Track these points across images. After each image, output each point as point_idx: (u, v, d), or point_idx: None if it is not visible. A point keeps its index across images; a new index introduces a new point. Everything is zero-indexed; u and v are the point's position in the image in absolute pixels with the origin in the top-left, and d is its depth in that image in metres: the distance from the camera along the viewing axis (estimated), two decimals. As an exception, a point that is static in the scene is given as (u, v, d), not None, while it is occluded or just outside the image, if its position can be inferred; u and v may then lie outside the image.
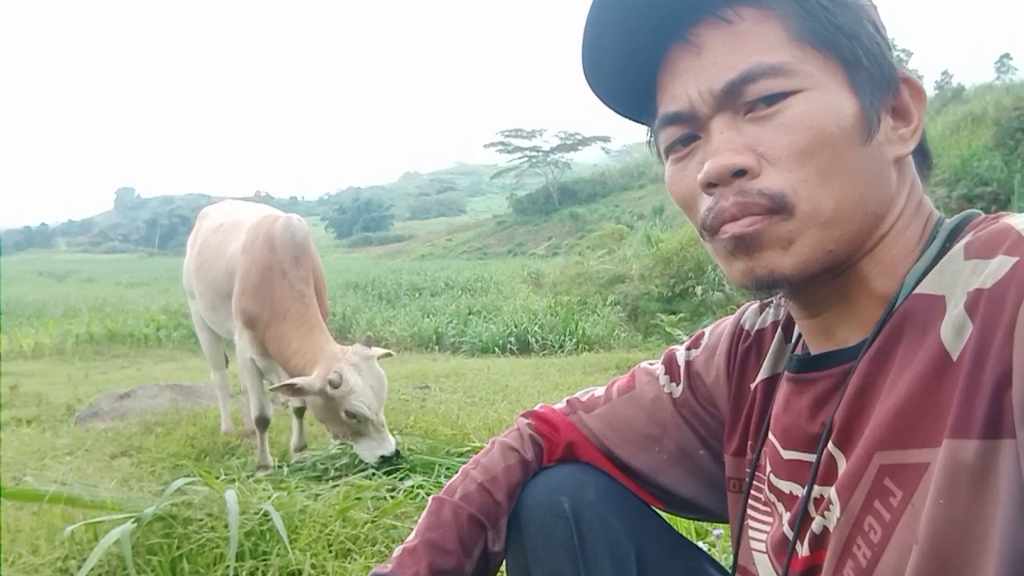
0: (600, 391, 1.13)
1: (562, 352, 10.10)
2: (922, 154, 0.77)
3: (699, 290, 11.18)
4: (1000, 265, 0.60)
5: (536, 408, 1.17)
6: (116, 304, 19.89)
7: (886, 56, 0.73)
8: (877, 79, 0.71)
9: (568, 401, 1.15)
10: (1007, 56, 34.47)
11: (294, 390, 3.40)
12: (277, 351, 3.72)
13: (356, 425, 3.46)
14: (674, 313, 10.94)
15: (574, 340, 10.42)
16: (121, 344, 13.26)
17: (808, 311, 0.78)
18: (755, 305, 1.00)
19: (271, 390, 3.43)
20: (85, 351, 12.54)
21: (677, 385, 1.04)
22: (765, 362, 0.93)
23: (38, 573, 2.23)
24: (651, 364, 1.11)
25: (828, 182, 0.68)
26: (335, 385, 3.37)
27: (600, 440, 1.08)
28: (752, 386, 0.94)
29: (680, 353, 1.08)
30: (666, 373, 1.07)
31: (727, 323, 1.03)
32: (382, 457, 3.44)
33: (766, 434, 0.88)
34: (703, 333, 1.08)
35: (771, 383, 0.91)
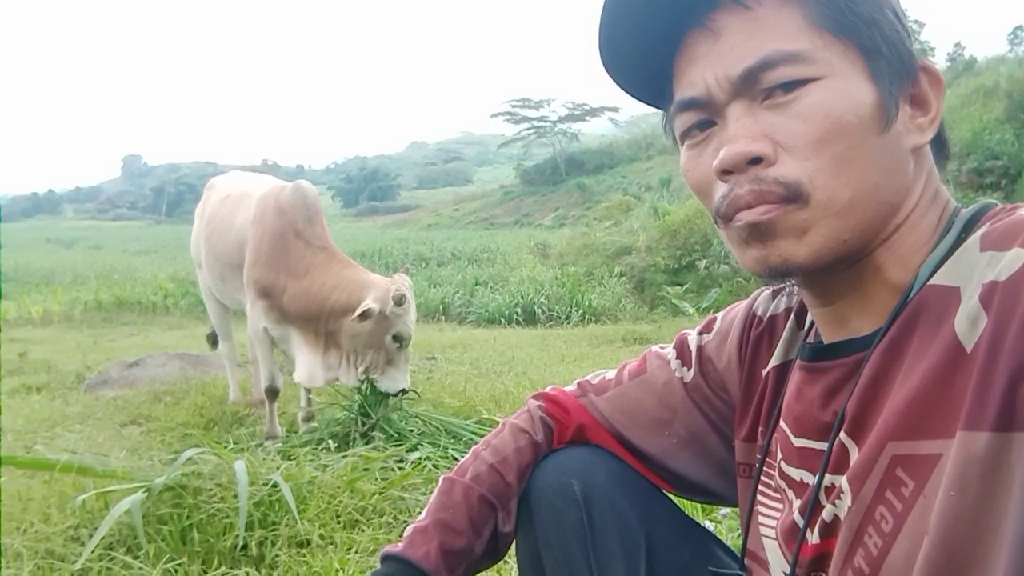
0: (611, 374, 1.13)
1: (568, 323, 10.14)
2: (940, 143, 0.76)
3: (705, 263, 11.16)
4: (1016, 257, 0.60)
5: (547, 390, 1.16)
6: (124, 271, 20.00)
7: (905, 44, 0.71)
8: (896, 67, 0.70)
9: (579, 383, 1.15)
10: (1020, 28, 34.03)
11: (364, 316, 3.48)
12: (310, 303, 3.75)
13: (394, 352, 3.64)
14: (680, 285, 10.95)
15: (580, 311, 10.46)
16: (129, 311, 13.35)
17: (822, 300, 0.78)
18: (768, 291, 0.99)
19: (356, 315, 3.48)
20: (94, 318, 12.63)
21: (688, 370, 1.04)
22: (777, 349, 0.93)
23: (50, 541, 2.25)
24: (663, 348, 1.11)
25: (844, 171, 0.68)
26: (399, 303, 3.52)
27: (611, 423, 1.08)
28: (764, 372, 0.94)
29: (692, 338, 1.07)
30: (677, 357, 1.06)
31: (739, 309, 1.03)
32: (403, 390, 3.66)
33: (777, 421, 0.88)
34: (715, 318, 1.07)
35: (783, 370, 0.91)
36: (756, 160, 0.69)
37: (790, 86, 0.68)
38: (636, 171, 40.81)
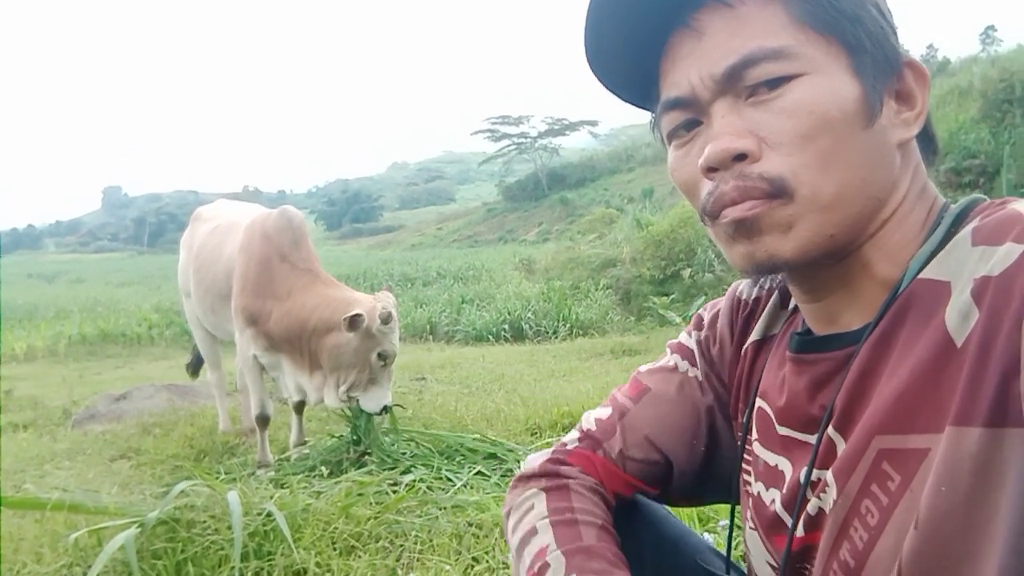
0: (603, 411, 1.05)
1: (556, 338, 10.13)
2: (927, 139, 0.77)
3: (690, 272, 11.19)
4: (1008, 252, 0.60)
5: (566, 452, 1.03)
6: (107, 304, 19.83)
7: (890, 40, 0.72)
8: (880, 63, 0.71)
9: (581, 436, 1.04)
10: (991, 28, 34.52)
11: (352, 325, 3.44)
12: (292, 322, 3.73)
13: (378, 370, 3.61)
14: (666, 295, 10.96)
15: (568, 325, 10.45)
16: (114, 344, 13.22)
17: (811, 295, 0.78)
18: (747, 281, 0.99)
19: (345, 320, 3.44)
20: (78, 352, 12.51)
21: (696, 366, 1.01)
22: (758, 324, 0.93)
23: (44, 581, 2.23)
24: (654, 364, 1.07)
25: (829, 166, 0.68)
26: (385, 321, 3.51)
27: (633, 458, 0.99)
28: (743, 348, 0.94)
29: (686, 338, 1.05)
30: (683, 359, 1.03)
31: (723, 300, 1.02)
32: (384, 408, 3.61)
33: (754, 398, 0.88)
34: (700, 315, 1.05)
35: (761, 345, 0.91)
36: (741, 157, 0.69)
37: (774, 83, 0.69)
38: (618, 183, 41.03)
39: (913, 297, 0.67)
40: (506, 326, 10.79)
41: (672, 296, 10.87)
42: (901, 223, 0.72)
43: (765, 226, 0.69)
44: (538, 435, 4.03)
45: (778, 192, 0.68)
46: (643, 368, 1.07)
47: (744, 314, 0.96)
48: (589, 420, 1.05)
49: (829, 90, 0.68)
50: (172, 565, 2.27)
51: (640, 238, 12.95)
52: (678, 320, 9.51)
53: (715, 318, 1.01)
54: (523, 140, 57.31)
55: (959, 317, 0.61)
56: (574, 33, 0.80)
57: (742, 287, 0.99)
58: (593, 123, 58.35)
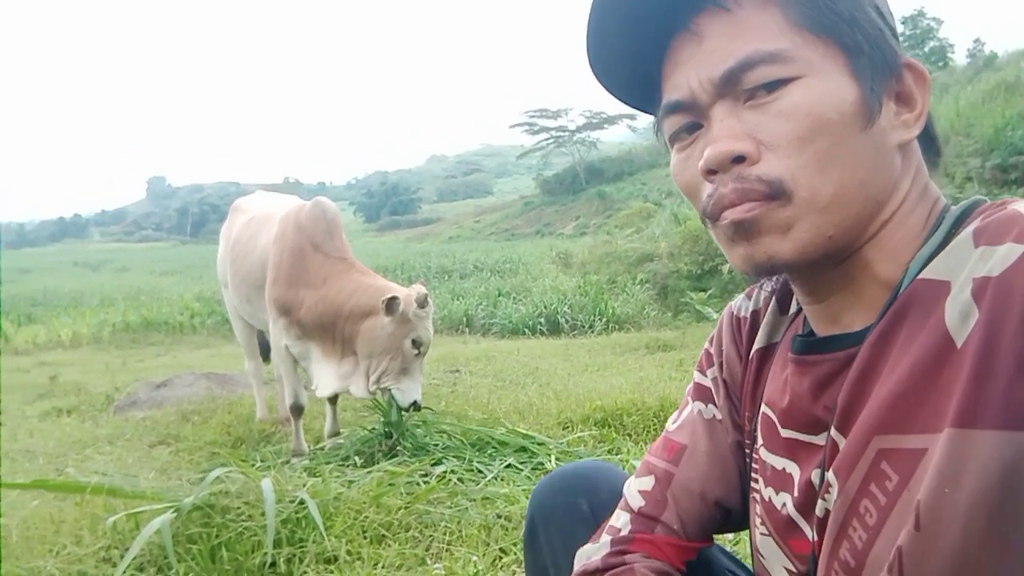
0: (646, 483, 1.00)
1: (592, 332, 10.10)
2: (928, 140, 0.76)
3: (728, 267, 11.09)
4: (1008, 253, 0.60)
5: (625, 541, 0.98)
6: (150, 292, 20.22)
7: (888, 41, 0.72)
8: (878, 64, 0.71)
9: (633, 518, 0.99)
10: (1042, 20, 33.58)
11: (389, 308, 3.50)
12: (327, 308, 3.78)
13: (411, 359, 3.65)
14: (704, 291, 10.88)
15: (604, 320, 10.42)
16: (156, 332, 13.46)
17: (812, 297, 0.78)
18: (739, 298, 0.99)
19: (384, 300, 3.51)
20: (121, 339, 12.75)
21: (717, 406, 0.99)
22: (760, 333, 0.93)
23: (82, 563, 2.29)
24: (679, 418, 1.03)
25: (827, 168, 0.68)
26: (422, 304, 3.57)
27: (691, 523, 0.98)
28: (749, 356, 0.94)
29: (700, 377, 1.03)
30: (704, 402, 1.01)
31: (718, 328, 1.01)
32: (415, 404, 3.65)
33: (760, 404, 0.88)
34: (707, 350, 1.03)
35: (765, 352, 0.91)
36: (739, 159, 0.70)
37: (772, 86, 0.69)
38: (656, 177, 40.70)
39: (913, 297, 0.67)
40: (542, 320, 10.79)
41: (709, 292, 10.78)
42: (902, 224, 0.72)
43: (764, 228, 0.70)
44: (570, 429, 4.03)
45: (776, 194, 0.69)
46: (670, 426, 1.04)
47: (746, 329, 0.96)
48: (633, 494, 1.00)
49: (826, 92, 0.69)
50: (207, 550, 2.32)
51: (678, 233, 12.86)
52: (715, 316, 9.42)
53: (719, 346, 1.00)
54: (561, 133, 57.17)
55: (959, 317, 0.61)
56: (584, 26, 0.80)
57: (735, 306, 0.99)
58: (632, 117, 57.84)
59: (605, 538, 0.98)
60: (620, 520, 0.99)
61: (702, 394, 1.02)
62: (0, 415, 5.53)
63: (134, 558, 2.24)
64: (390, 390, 3.69)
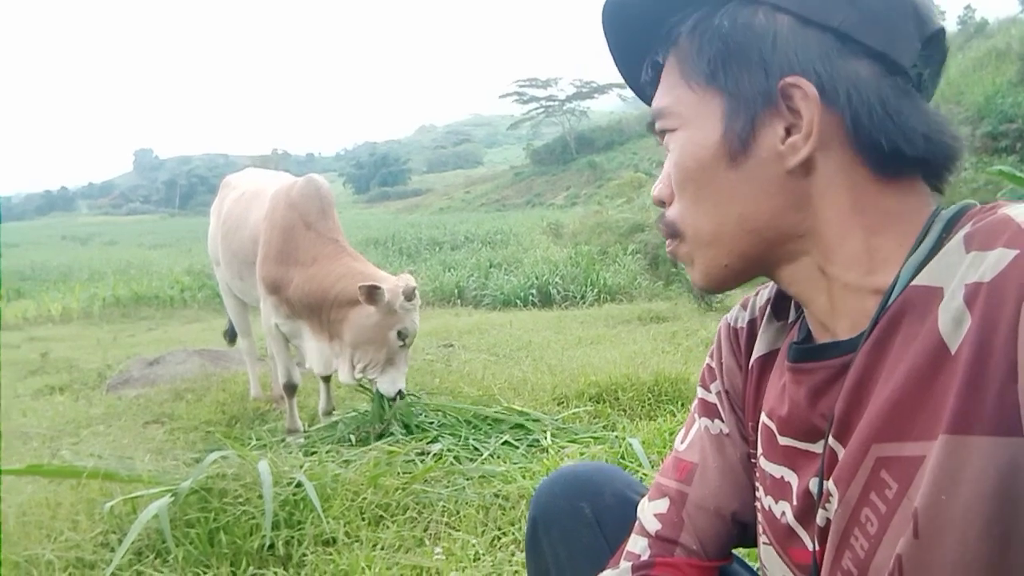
0: (661, 505, 1.00)
1: (584, 303, 10.12)
2: (868, 147, 0.71)
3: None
4: (1000, 258, 0.59)
5: (646, 567, 0.97)
6: (140, 266, 20.13)
7: (772, 72, 0.70)
8: (755, 98, 0.71)
9: (651, 542, 0.98)
10: (1034, -14, 33.43)
11: (371, 297, 3.45)
12: (314, 289, 3.73)
13: (396, 350, 3.63)
14: (695, 261, 10.89)
15: (595, 290, 10.44)
16: (147, 306, 13.45)
17: (798, 303, 0.84)
18: (735, 309, 0.99)
19: (362, 287, 3.45)
20: (112, 314, 12.73)
21: (723, 421, 0.99)
22: (758, 341, 0.92)
23: (80, 549, 2.29)
24: (686, 435, 1.03)
25: (700, 208, 0.77)
26: (409, 297, 3.54)
27: (710, 541, 0.98)
28: (749, 365, 0.94)
29: (704, 393, 1.02)
30: (712, 419, 1.00)
31: (716, 340, 1.01)
32: (399, 393, 3.63)
33: (759, 412, 0.89)
34: (709, 365, 1.02)
35: (765, 361, 0.91)
36: (662, 202, 0.83)
37: (664, 136, 0.80)
38: (646, 147, 40.58)
39: (907, 304, 0.67)
40: (534, 291, 10.79)
41: (701, 262, 10.80)
42: (843, 238, 0.72)
43: (679, 259, 0.83)
44: (565, 404, 4.04)
45: (674, 233, 0.81)
46: (679, 445, 1.03)
47: (743, 338, 0.96)
48: (648, 518, 1.00)
49: (688, 142, 0.76)
50: (205, 533, 2.32)
51: (669, 203, 12.85)
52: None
53: (719, 359, 1.00)
54: (551, 103, 56.75)
55: (952, 323, 0.61)
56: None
57: (731, 317, 0.99)
58: (622, 86, 57.18)
59: (625, 565, 0.97)
60: (638, 545, 0.98)
61: (708, 410, 1.01)
62: (-3, 395, 5.50)
63: (132, 543, 2.25)
64: (373, 379, 3.68)
